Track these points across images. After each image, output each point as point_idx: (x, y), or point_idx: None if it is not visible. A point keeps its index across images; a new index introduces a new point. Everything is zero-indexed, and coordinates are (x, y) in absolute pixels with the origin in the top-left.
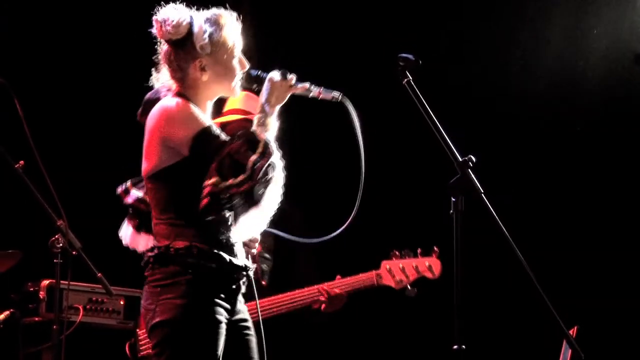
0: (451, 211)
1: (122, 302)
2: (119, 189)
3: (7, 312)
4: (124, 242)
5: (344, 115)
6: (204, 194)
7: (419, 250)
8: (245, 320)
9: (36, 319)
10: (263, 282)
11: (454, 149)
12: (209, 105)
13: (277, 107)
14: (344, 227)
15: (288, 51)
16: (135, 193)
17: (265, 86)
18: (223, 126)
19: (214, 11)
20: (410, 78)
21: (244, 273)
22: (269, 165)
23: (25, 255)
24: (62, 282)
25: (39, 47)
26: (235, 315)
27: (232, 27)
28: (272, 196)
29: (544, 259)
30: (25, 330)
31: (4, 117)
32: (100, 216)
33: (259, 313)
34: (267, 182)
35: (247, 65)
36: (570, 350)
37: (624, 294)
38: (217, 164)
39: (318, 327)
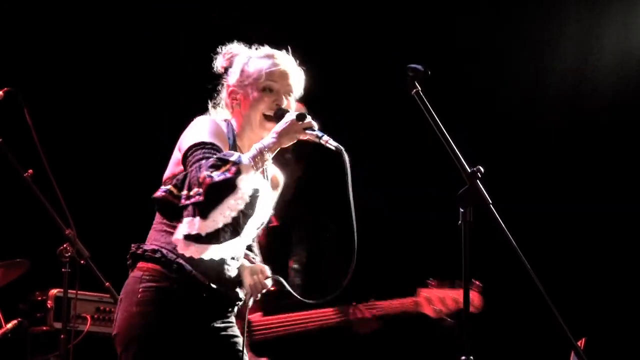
0: (460, 222)
1: None
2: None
3: (15, 321)
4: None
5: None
6: (154, 195)
7: (457, 282)
8: (233, 337)
9: (44, 328)
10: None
11: (463, 160)
12: (254, 142)
13: (283, 144)
14: (341, 287)
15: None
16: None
17: (283, 120)
18: None
19: (264, 49)
20: (419, 88)
21: (213, 295)
22: (225, 184)
23: (34, 264)
24: (70, 291)
25: (49, 56)
26: (211, 324)
27: (266, 61)
28: (235, 219)
29: (553, 270)
30: (33, 339)
31: (14, 126)
32: (109, 225)
33: (244, 335)
34: (217, 200)
35: (283, 102)
36: None
37: (633, 306)
38: (182, 175)
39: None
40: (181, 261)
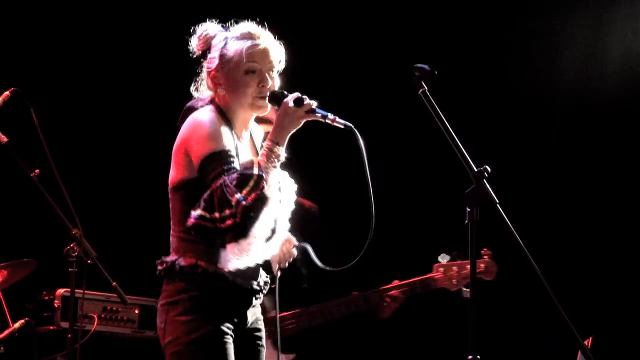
0: (466, 221)
1: (137, 311)
2: None
3: (22, 321)
4: None
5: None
6: (188, 223)
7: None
8: (258, 330)
9: (51, 327)
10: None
11: (469, 159)
12: (248, 120)
13: (289, 133)
14: (359, 255)
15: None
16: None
17: (280, 111)
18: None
19: (240, 25)
20: (426, 88)
21: (251, 295)
22: (258, 200)
23: (40, 264)
24: (77, 290)
25: (55, 56)
26: (247, 326)
27: (244, 42)
28: (271, 224)
29: (560, 269)
30: (40, 339)
31: (20, 126)
32: (116, 225)
33: (278, 328)
34: (254, 218)
35: (268, 82)
36: None
37: None
38: (208, 195)
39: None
40: (221, 271)
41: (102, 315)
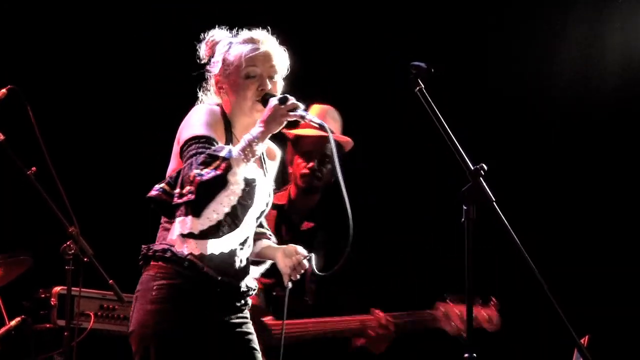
0: (463, 219)
1: None
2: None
3: (18, 319)
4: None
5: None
6: (148, 194)
7: (479, 300)
8: (245, 330)
9: (47, 325)
10: (308, 301)
11: (466, 157)
12: (251, 126)
13: (271, 131)
14: (340, 263)
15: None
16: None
17: (266, 109)
18: (298, 138)
19: (244, 33)
20: (423, 86)
21: (225, 289)
22: (215, 180)
23: (37, 261)
24: (73, 288)
25: (52, 54)
26: (231, 327)
27: (246, 46)
28: (229, 213)
29: (556, 267)
30: (36, 336)
31: (17, 124)
32: (112, 223)
33: (282, 333)
34: (208, 197)
35: (267, 87)
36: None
37: (637, 303)
38: (176, 172)
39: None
40: (192, 258)
41: (99, 313)
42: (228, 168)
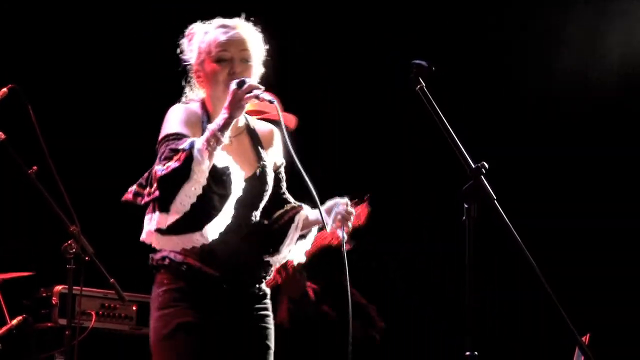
0: (464, 218)
1: (134, 308)
2: None
3: (19, 318)
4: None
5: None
6: (123, 197)
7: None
8: (264, 329)
9: (49, 324)
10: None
11: (467, 156)
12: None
13: (234, 117)
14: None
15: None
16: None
17: (228, 97)
18: None
19: (216, 20)
20: (423, 84)
21: (235, 285)
22: (175, 172)
23: (38, 261)
24: (74, 287)
25: (52, 52)
26: (245, 320)
27: (217, 32)
28: (197, 204)
29: (557, 265)
30: (37, 335)
31: (17, 123)
32: (113, 222)
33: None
34: (171, 190)
35: (238, 70)
36: (582, 358)
37: (638, 301)
38: (148, 172)
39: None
40: (189, 260)
41: (100, 312)
42: (188, 159)
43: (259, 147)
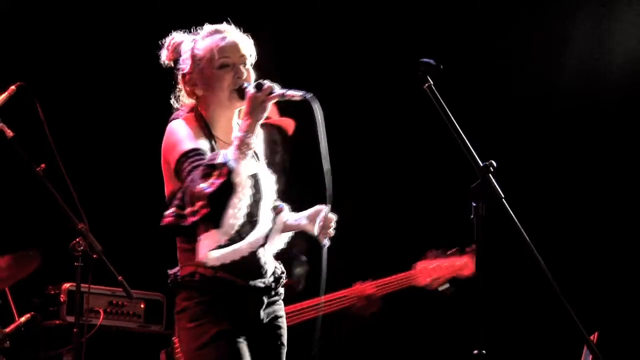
0: (472, 216)
1: (142, 306)
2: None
3: (28, 315)
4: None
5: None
6: (162, 223)
7: (452, 250)
8: (278, 328)
9: (57, 322)
10: (299, 287)
11: (475, 154)
12: (231, 119)
13: (258, 121)
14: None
15: (311, 62)
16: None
17: (246, 101)
18: None
19: (206, 27)
20: (431, 83)
21: (259, 294)
22: (223, 187)
23: (46, 258)
24: (82, 285)
25: (62, 50)
26: (261, 324)
27: (217, 37)
28: (245, 214)
29: (566, 264)
30: (45, 333)
31: (26, 120)
32: (122, 219)
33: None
34: (221, 206)
35: (243, 74)
36: (590, 356)
37: None
38: (182, 193)
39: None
40: (220, 275)
41: (108, 310)
42: (230, 172)
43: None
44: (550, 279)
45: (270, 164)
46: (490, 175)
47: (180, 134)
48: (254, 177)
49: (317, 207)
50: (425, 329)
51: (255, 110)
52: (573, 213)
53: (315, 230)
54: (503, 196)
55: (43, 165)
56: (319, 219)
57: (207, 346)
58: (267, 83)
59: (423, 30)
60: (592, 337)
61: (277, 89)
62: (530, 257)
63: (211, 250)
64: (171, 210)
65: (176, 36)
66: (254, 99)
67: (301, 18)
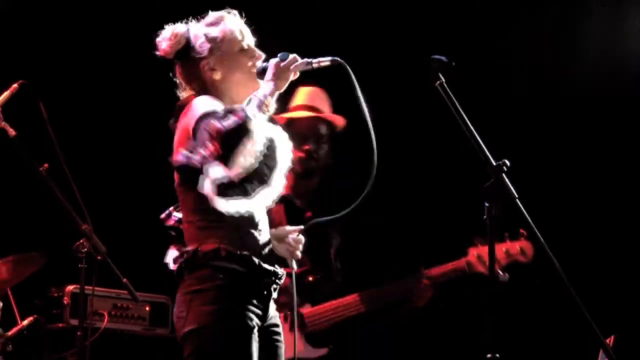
0: (485, 217)
1: (147, 309)
2: (162, 214)
3: (30, 318)
4: (170, 267)
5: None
6: (174, 162)
7: (506, 234)
8: (276, 325)
9: (60, 325)
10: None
11: (488, 153)
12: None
13: (280, 87)
14: (356, 202)
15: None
16: (177, 215)
17: (270, 69)
18: (290, 122)
19: (211, 14)
20: (443, 80)
21: (274, 279)
22: (238, 128)
23: (49, 259)
24: (86, 287)
25: (65, 48)
26: (266, 321)
27: (229, 22)
28: (258, 165)
29: (582, 265)
30: (49, 336)
31: (29, 119)
32: (126, 220)
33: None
34: (235, 145)
35: (260, 54)
36: None
37: None
38: (193, 138)
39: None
40: (245, 252)
41: (112, 313)
42: (247, 116)
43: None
44: (566, 281)
45: (313, 157)
46: (503, 174)
47: (205, 102)
48: (271, 141)
49: (284, 228)
50: (437, 331)
51: (279, 77)
52: (589, 213)
53: (284, 253)
54: (517, 196)
55: (46, 165)
56: (288, 241)
57: (224, 336)
58: (290, 55)
59: (434, 28)
60: (608, 341)
61: (300, 59)
62: (545, 258)
63: (220, 187)
64: (184, 152)
65: (177, 27)
66: (278, 67)
67: (301, 17)
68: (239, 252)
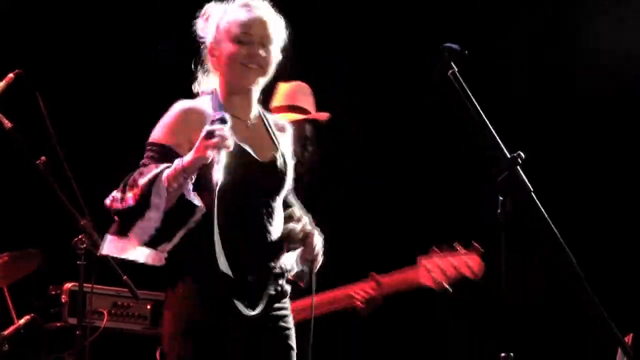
0: (499, 211)
1: (148, 307)
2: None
3: (27, 317)
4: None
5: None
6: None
7: (458, 246)
8: (283, 321)
9: (58, 324)
10: (301, 284)
11: (502, 145)
12: (252, 93)
13: (198, 165)
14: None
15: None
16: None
17: (199, 139)
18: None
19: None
20: (456, 69)
21: (246, 287)
22: (128, 214)
23: (47, 256)
24: (85, 285)
25: (64, 39)
26: (256, 318)
27: (238, 11)
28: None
29: (599, 262)
30: (47, 335)
31: (26, 111)
32: None
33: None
34: (132, 219)
35: (257, 51)
36: (625, 359)
37: None
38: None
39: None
40: (209, 262)
41: (112, 311)
42: (142, 195)
43: (274, 136)
44: (582, 278)
45: (299, 161)
46: (518, 167)
47: (167, 119)
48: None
49: (314, 240)
50: (450, 331)
51: (200, 152)
52: (607, 208)
53: (304, 262)
54: (532, 190)
55: (43, 158)
56: (312, 254)
57: (180, 339)
58: (226, 129)
59: (445, 19)
60: (626, 339)
61: (226, 143)
62: (561, 254)
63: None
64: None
65: (211, 6)
66: (201, 141)
67: (300, 17)
68: (193, 262)
